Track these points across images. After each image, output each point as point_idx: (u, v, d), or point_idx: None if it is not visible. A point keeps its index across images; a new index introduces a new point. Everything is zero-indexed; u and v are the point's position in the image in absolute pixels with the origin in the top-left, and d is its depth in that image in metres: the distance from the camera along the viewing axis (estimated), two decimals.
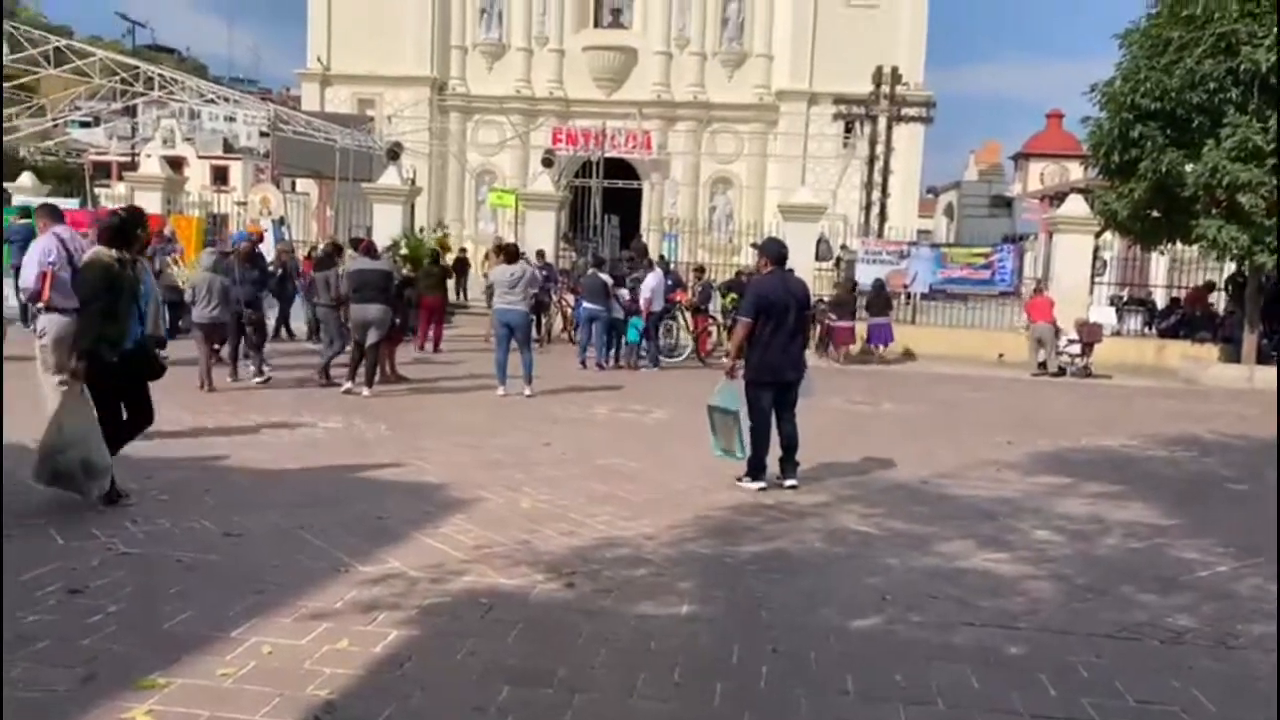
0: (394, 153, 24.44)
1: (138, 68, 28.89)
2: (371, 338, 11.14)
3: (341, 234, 23.37)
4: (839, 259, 23.71)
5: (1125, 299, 23.98)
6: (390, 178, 23.03)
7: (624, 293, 15.24)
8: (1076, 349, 17.28)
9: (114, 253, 5.94)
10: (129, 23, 49.74)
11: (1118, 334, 20.20)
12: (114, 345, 5.88)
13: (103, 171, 44.65)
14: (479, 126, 38.93)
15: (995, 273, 20.76)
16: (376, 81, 37.85)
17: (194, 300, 11.31)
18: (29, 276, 6.97)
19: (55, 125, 35.53)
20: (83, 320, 5.90)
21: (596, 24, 39.19)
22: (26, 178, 25.60)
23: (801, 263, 14.92)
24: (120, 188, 30.26)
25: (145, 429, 6.34)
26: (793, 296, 7.41)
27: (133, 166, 38.61)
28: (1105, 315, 20.31)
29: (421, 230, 23.85)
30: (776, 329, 7.27)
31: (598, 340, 15.12)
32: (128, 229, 6.13)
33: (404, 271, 15.05)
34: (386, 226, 21.29)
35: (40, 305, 7.00)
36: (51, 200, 23.08)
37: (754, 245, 8.37)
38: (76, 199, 25.94)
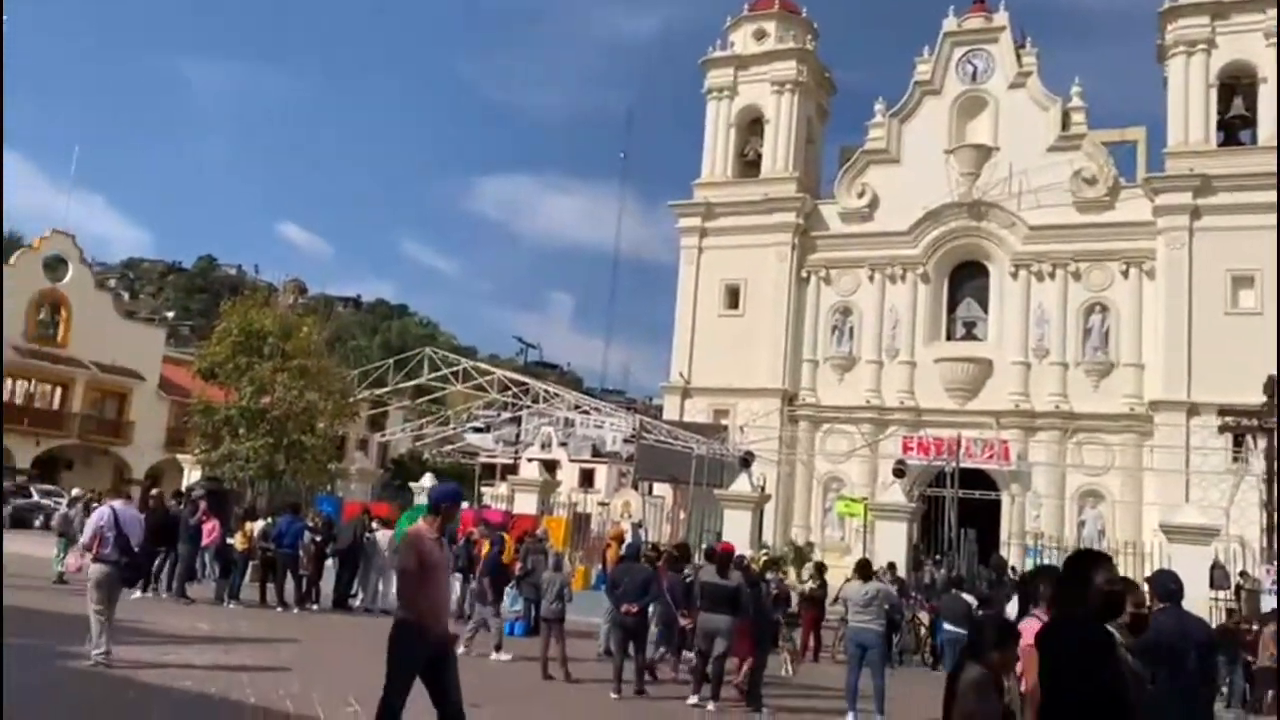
0: (746, 460, 25.25)
1: (527, 384, 32.68)
2: (718, 648, 11.03)
3: (693, 537, 24.04)
4: (1239, 588, 20.82)
5: None
6: (741, 484, 23.65)
7: None
8: None
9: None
10: (523, 344, 56.92)
11: None
12: None
13: (489, 472, 49.77)
14: (828, 435, 39.49)
15: None
16: (731, 393, 39.93)
17: (540, 596, 11.98)
18: (87, 535, 10.35)
19: (455, 431, 40.46)
20: None
21: (949, 337, 39.44)
22: (428, 478, 28.95)
23: (1194, 593, 13.20)
24: (502, 488, 33.36)
25: None
26: (1191, 641, 6.47)
27: (514, 469, 42.71)
28: None
29: (765, 549, 23.89)
30: (1172, 679, 6.32)
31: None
32: (1115, 602, 4.52)
33: (776, 584, 14.95)
34: (736, 532, 21.64)
35: (91, 555, 10.17)
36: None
37: (1147, 580, 7.49)
38: (465, 500, 28.83)
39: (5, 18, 26.78)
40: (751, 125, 43.44)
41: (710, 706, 10.82)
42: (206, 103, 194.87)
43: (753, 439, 33.99)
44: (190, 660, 10.71)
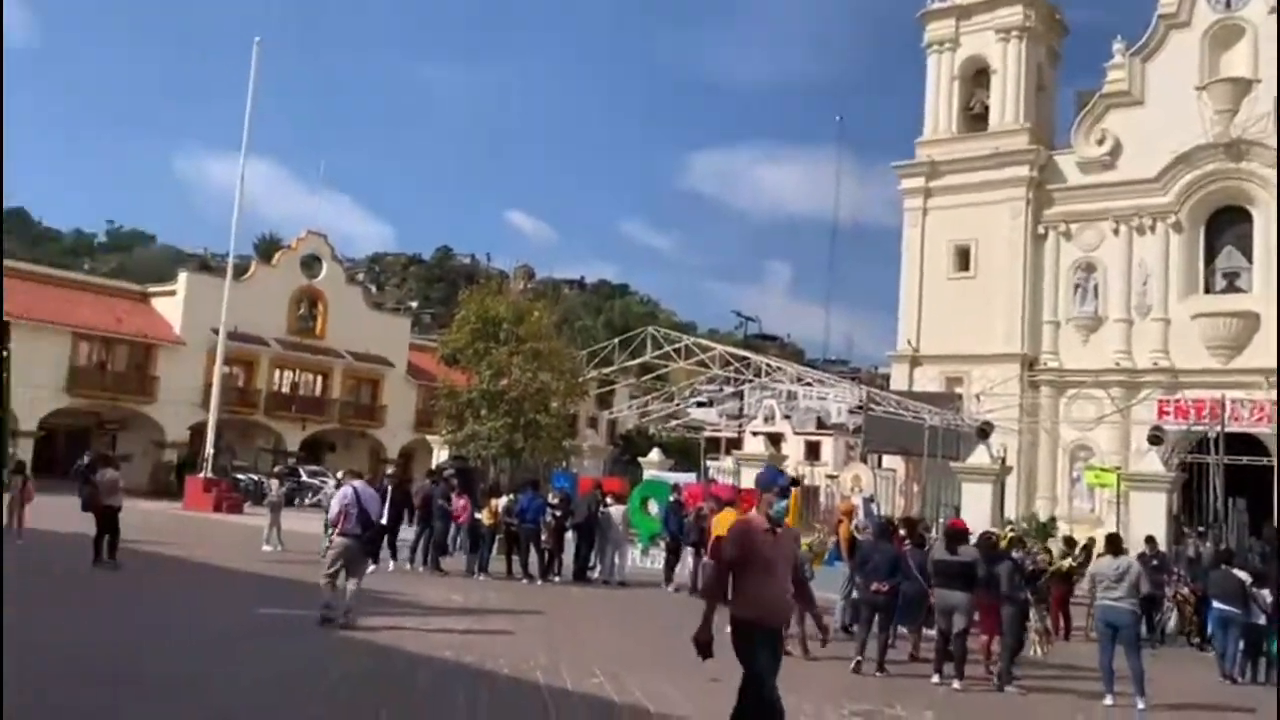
0: (984, 431, 24.21)
1: (748, 358, 32.60)
2: (956, 625, 10.66)
3: (929, 511, 23.32)
4: None
5: None
6: (979, 456, 22.73)
7: (1265, 594, 12.96)
8: None
9: None
10: (742, 318, 56.90)
11: None
12: None
13: (713, 446, 50.16)
14: (1073, 401, 37.16)
15: None
16: (964, 360, 38.29)
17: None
18: (333, 511, 11.73)
19: (679, 406, 40.93)
20: None
21: (1208, 290, 36.19)
22: (656, 453, 29.52)
23: None
24: (728, 461, 33.52)
25: None
26: None
27: (738, 443, 42.82)
28: None
29: (1010, 525, 22.82)
30: None
31: (1230, 648, 12.91)
32: None
33: (1031, 560, 14.31)
34: (975, 505, 20.82)
35: (336, 530, 11.44)
36: (666, 473, 26.25)
37: None
38: (693, 473, 29.17)
39: (259, 39, 29.11)
40: (976, 77, 41.30)
41: (956, 685, 10.48)
42: (439, 102, 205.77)
43: (990, 408, 32.51)
44: (449, 630, 11.41)
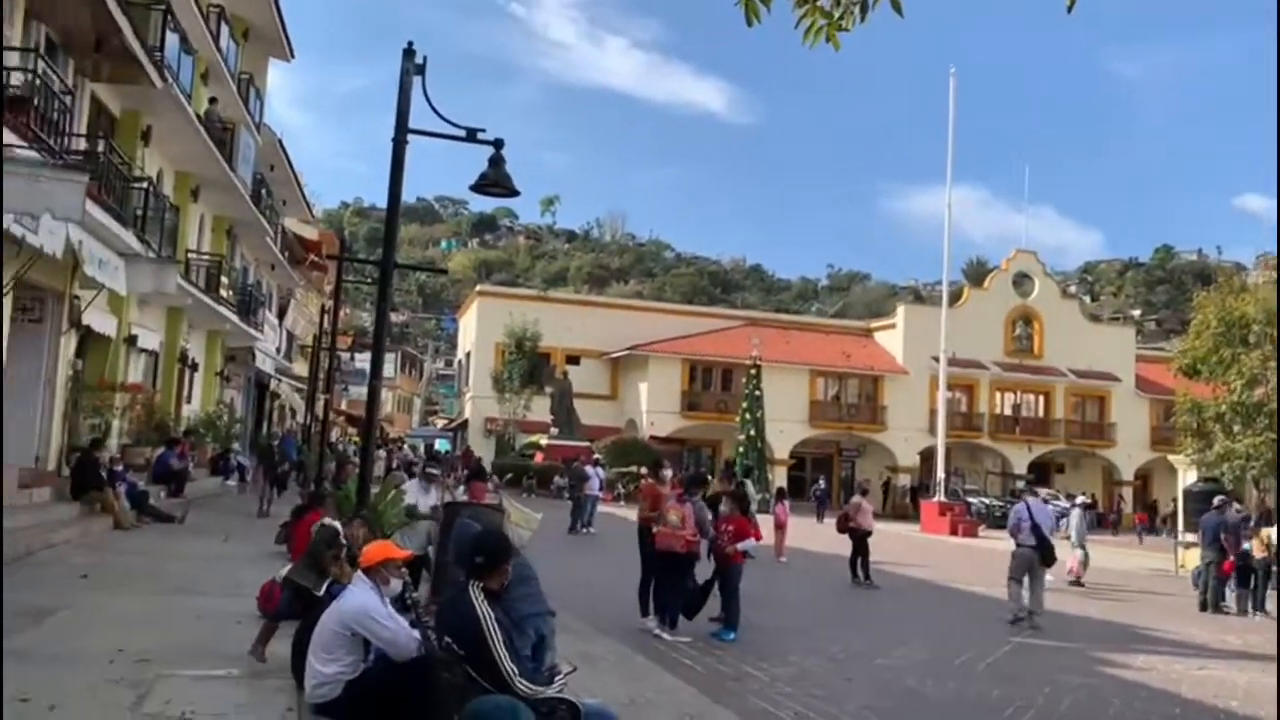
0: None
1: None
2: None
3: None
4: None
5: None
6: None
7: None
8: None
9: None
10: None
11: None
12: None
13: None
14: None
15: None
16: None
17: None
18: (1010, 524, 13.54)
19: None
20: None
21: None
22: None
23: None
24: None
25: None
26: None
27: None
28: None
29: None
30: None
31: None
32: None
33: None
34: None
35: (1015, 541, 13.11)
36: None
37: None
38: None
39: (954, 70, 29.64)
40: None
41: None
42: (1131, 94, 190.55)
43: None
44: (1229, 677, 10.14)
